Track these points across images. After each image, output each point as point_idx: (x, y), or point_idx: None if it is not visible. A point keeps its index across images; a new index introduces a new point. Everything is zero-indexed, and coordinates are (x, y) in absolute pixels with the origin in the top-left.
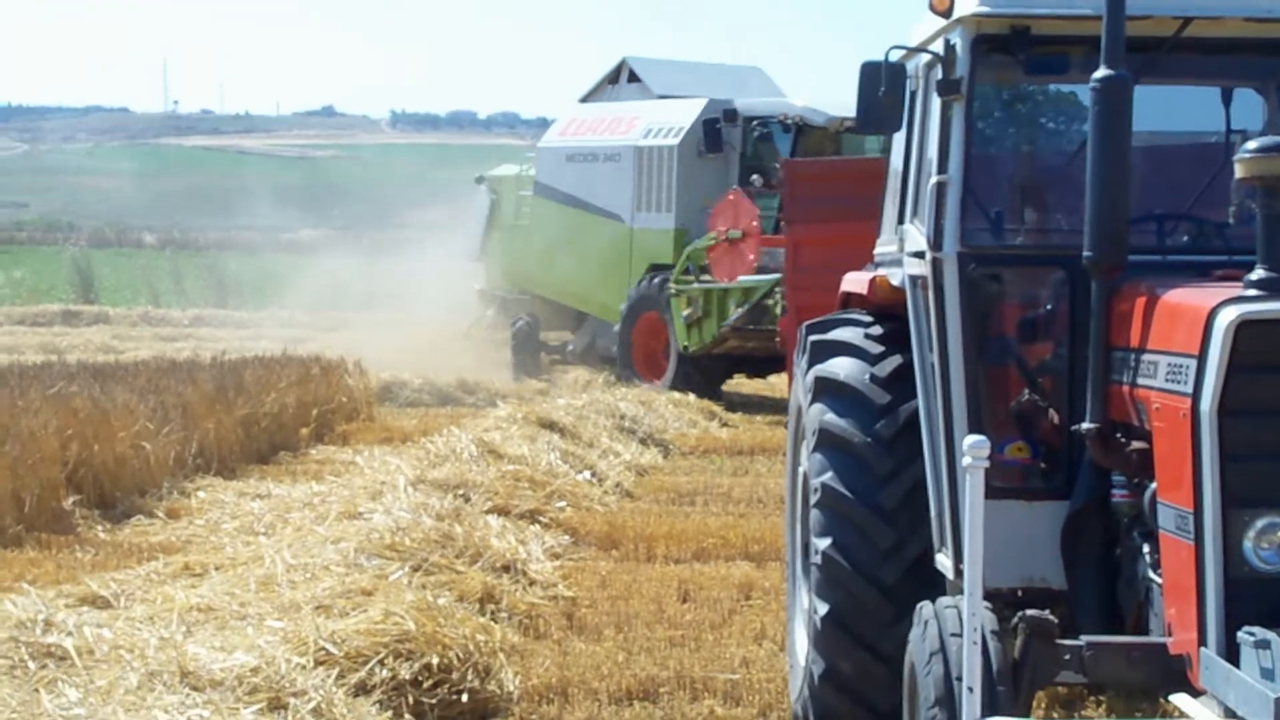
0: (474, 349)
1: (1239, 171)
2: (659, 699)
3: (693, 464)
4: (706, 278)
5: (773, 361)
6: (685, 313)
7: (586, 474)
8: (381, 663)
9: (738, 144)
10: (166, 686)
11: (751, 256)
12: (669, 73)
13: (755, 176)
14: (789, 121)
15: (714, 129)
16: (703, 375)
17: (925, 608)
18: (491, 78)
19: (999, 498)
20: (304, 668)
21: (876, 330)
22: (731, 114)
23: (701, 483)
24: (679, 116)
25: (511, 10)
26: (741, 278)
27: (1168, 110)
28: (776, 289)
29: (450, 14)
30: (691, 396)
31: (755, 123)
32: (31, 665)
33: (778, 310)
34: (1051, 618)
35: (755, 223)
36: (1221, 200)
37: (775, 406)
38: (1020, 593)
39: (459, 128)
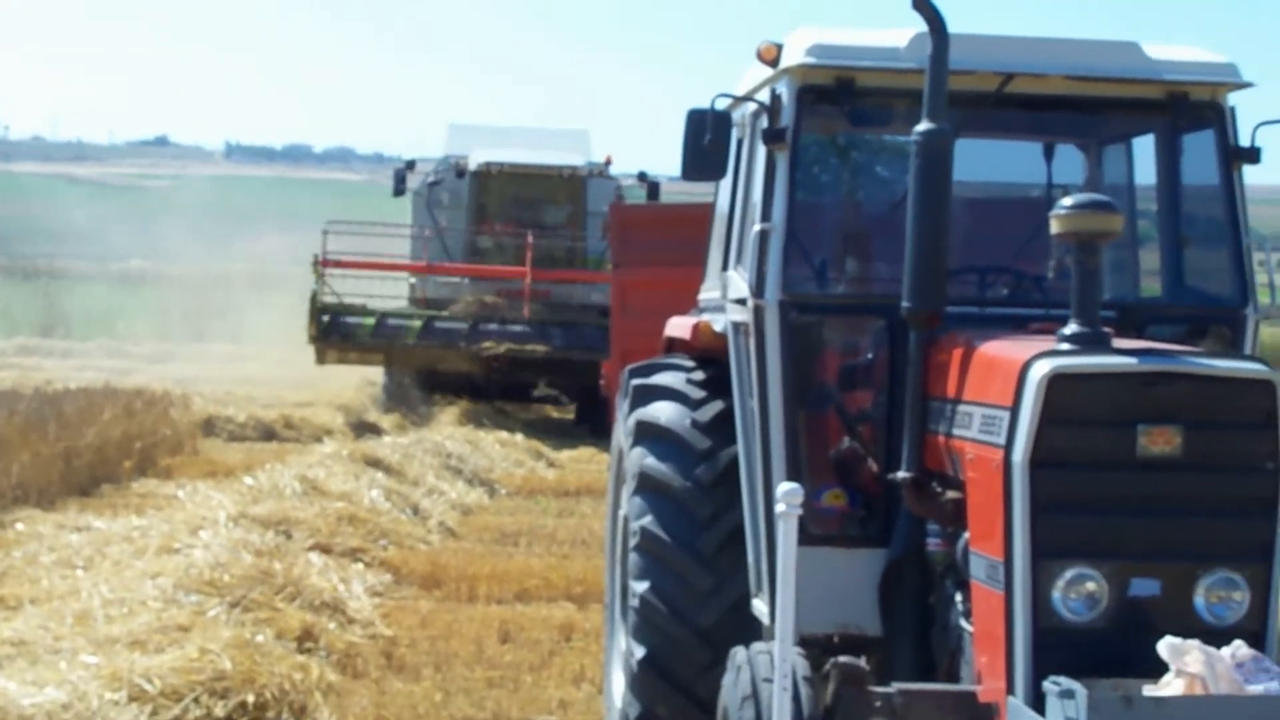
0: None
1: (1055, 227)
2: None
3: (518, 504)
4: None
5: None
6: None
7: (409, 513)
8: (196, 700)
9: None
10: None
11: None
12: (488, 136)
13: None
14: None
15: (399, 176)
16: None
17: (739, 653)
18: (327, 112)
19: (816, 544)
20: (117, 704)
21: (699, 375)
22: (411, 164)
23: (526, 523)
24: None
25: (349, 46)
26: None
27: (993, 163)
28: None
29: (288, 47)
30: (519, 436)
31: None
32: None
33: None
34: (863, 664)
35: None
36: (1042, 254)
37: (604, 448)
38: (836, 639)
39: (294, 161)
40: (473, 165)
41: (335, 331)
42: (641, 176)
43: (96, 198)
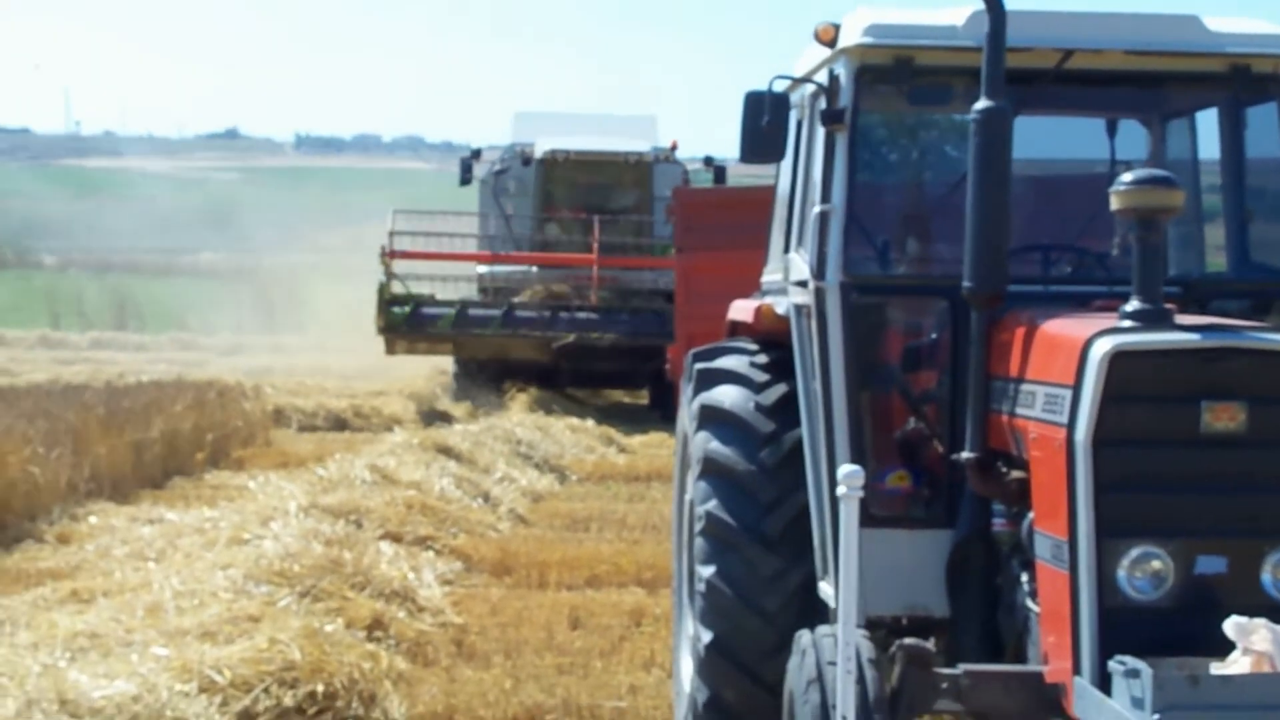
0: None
1: (1115, 203)
2: None
3: (589, 490)
4: None
5: None
6: None
7: (480, 500)
8: (266, 690)
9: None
10: (45, 714)
11: None
12: (554, 123)
13: None
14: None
15: (465, 165)
16: None
17: (804, 636)
18: (396, 101)
19: (881, 526)
20: (187, 695)
21: (762, 359)
22: (477, 153)
23: (597, 509)
24: None
25: (416, 35)
26: None
27: (1057, 140)
28: None
29: (356, 37)
30: (590, 422)
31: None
32: None
33: None
34: (929, 646)
35: None
36: (1107, 231)
37: (675, 433)
38: (905, 621)
39: (363, 151)
40: (538, 153)
41: (417, 322)
42: (708, 161)
43: (167, 191)
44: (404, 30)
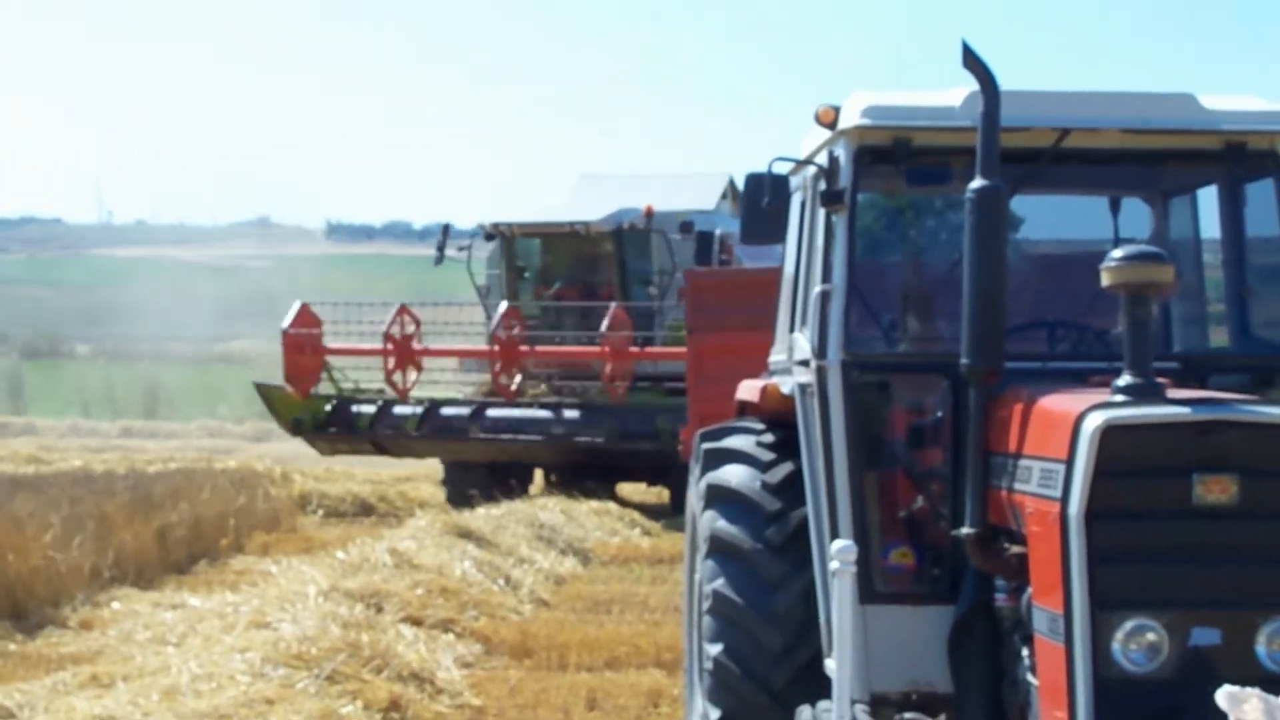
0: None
1: (1105, 279)
2: None
3: (612, 572)
4: None
5: None
6: None
7: (501, 583)
8: None
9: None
10: None
11: None
12: (616, 185)
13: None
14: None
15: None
16: None
17: (804, 711)
18: (425, 188)
19: (884, 602)
20: None
21: (768, 438)
22: (446, 228)
23: (619, 591)
24: None
25: (441, 121)
26: None
27: (1062, 220)
28: None
29: (384, 126)
30: (613, 505)
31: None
32: None
33: None
34: None
35: None
36: (1111, 308)
37: None
38: (913, 696)
39: (395, 238)
40: (488, 227)
41: (336, 421)
42: (685, 227)
43: (199, 280)
44: (428, 117)
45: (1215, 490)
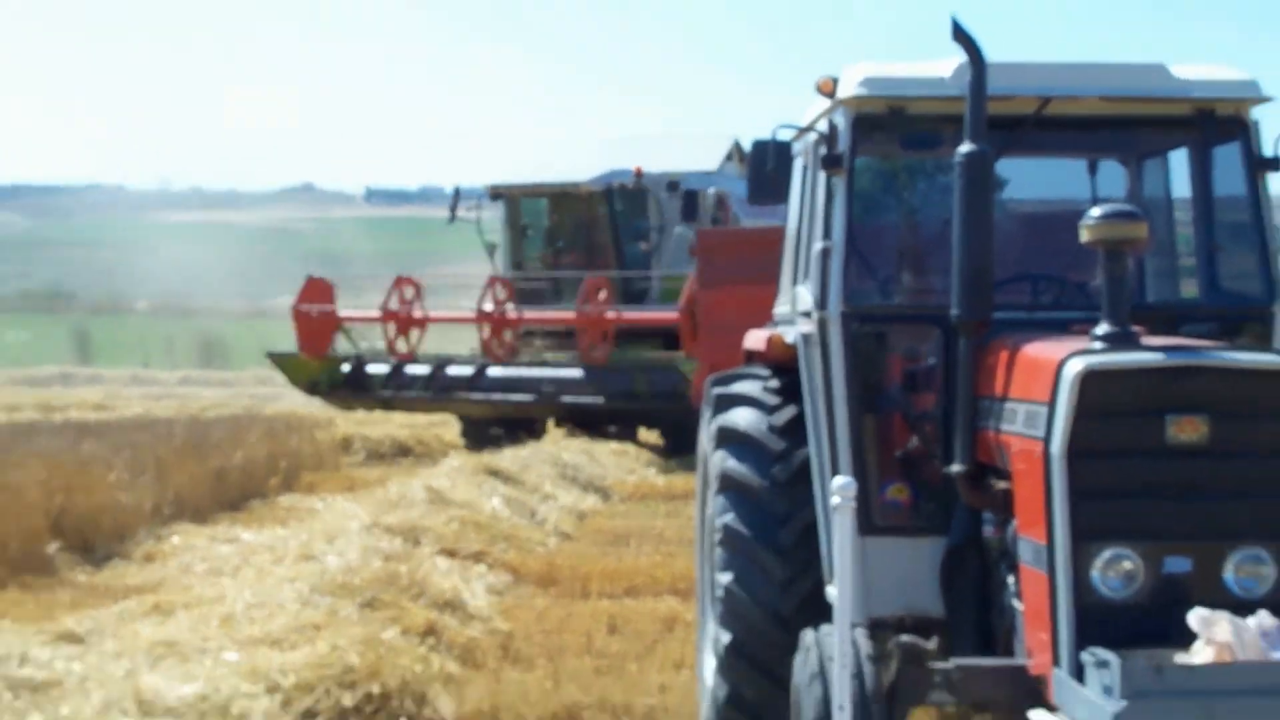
0: None
1: (1084, 236)
2: None
3: (629, 508)
4: None
5: None
6: None
7: (527, 518)
8: (326, 692)
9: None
10: (124, 714)
11: None
12: (631, 146)
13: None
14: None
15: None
16: None
17: (808, 635)
18: (460, 153)
19: (881, 535)
20: (254, 696)
21: (774, 383)
22: (457, 191)
23: (637, 525)
24: None
25: (475, 89)
26: None
27: (1045, 181)
28: None
29: (422, 95)
30: (630, 446)
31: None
32: (7, 696)
33: None
34: (924, 643)
35: None
36: (1090, 262)
37: None
38: (906, 621)
39: (429, 201)
40: (489, 190)
41: (352, 383)
42: (672, 185)
43: (250, 241)
44: (465, 84)
45: (1187, 430)
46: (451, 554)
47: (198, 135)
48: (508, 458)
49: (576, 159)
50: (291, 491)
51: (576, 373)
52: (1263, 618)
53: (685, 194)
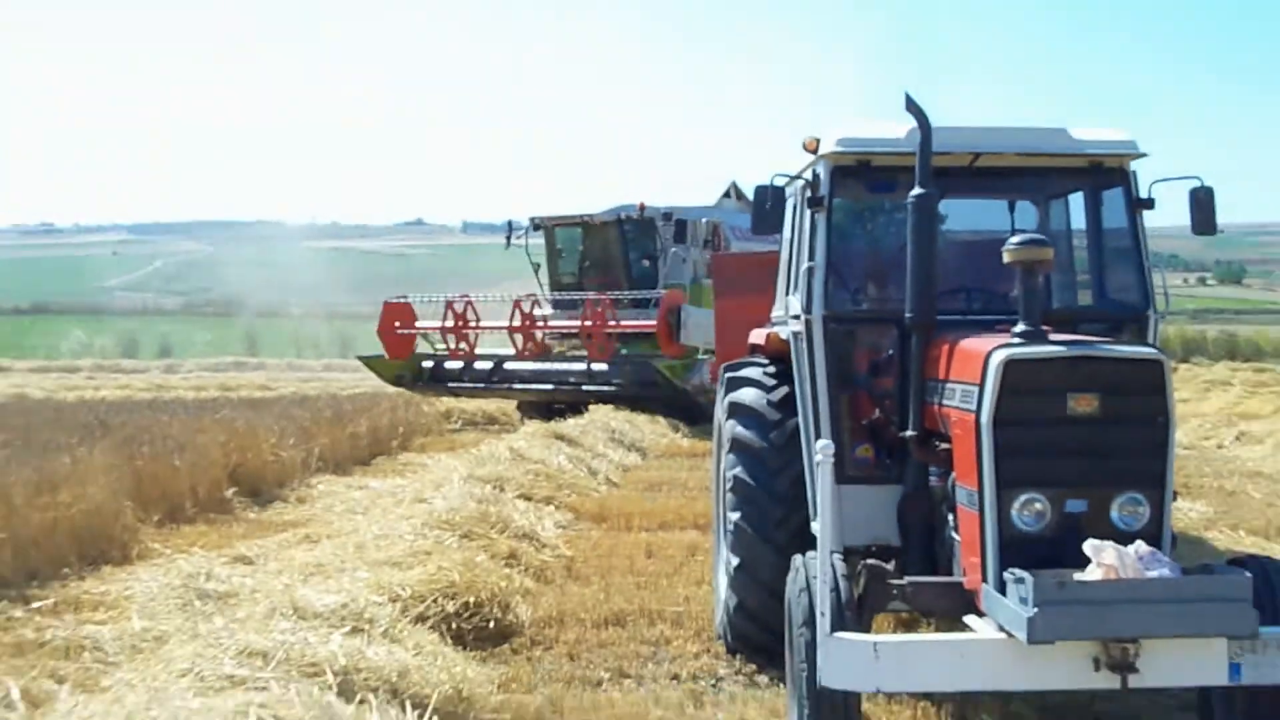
0: None
1: (1005, 258)
2: (626, 625)
3: (662, 463)
4: None
5: None
6: None
7: (585, 471)
8: (434, 601)
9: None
10: (283, 616)
11: None
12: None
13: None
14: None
15: (506, 233)
16: None
17: (797, 559)
18: (547, 188)
19: (853, 483)
20: (380, 604)
21: (771, 369)
22: (509, 224)
23: (667, 476)
24: None
25: (573, 125)
26: None
27: (978, 217)
28: None
29: (523, 133)
30: (662, 418)
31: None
32: (196, 603)
33: None
34: (885, 565)
35: None
36: (1010, 278)
37: None
38: (873, 549)
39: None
40: (531, 221)
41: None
42: (666, 216)
43: (375, 263)
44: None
45: (1083, 404)
46: (528, 498)
47: (334, 179)
48: (570, 425)
49: (599, 195)
50: (407, 451)
51: (581, 367)
52: (1139, 546)
53: (677, 222)
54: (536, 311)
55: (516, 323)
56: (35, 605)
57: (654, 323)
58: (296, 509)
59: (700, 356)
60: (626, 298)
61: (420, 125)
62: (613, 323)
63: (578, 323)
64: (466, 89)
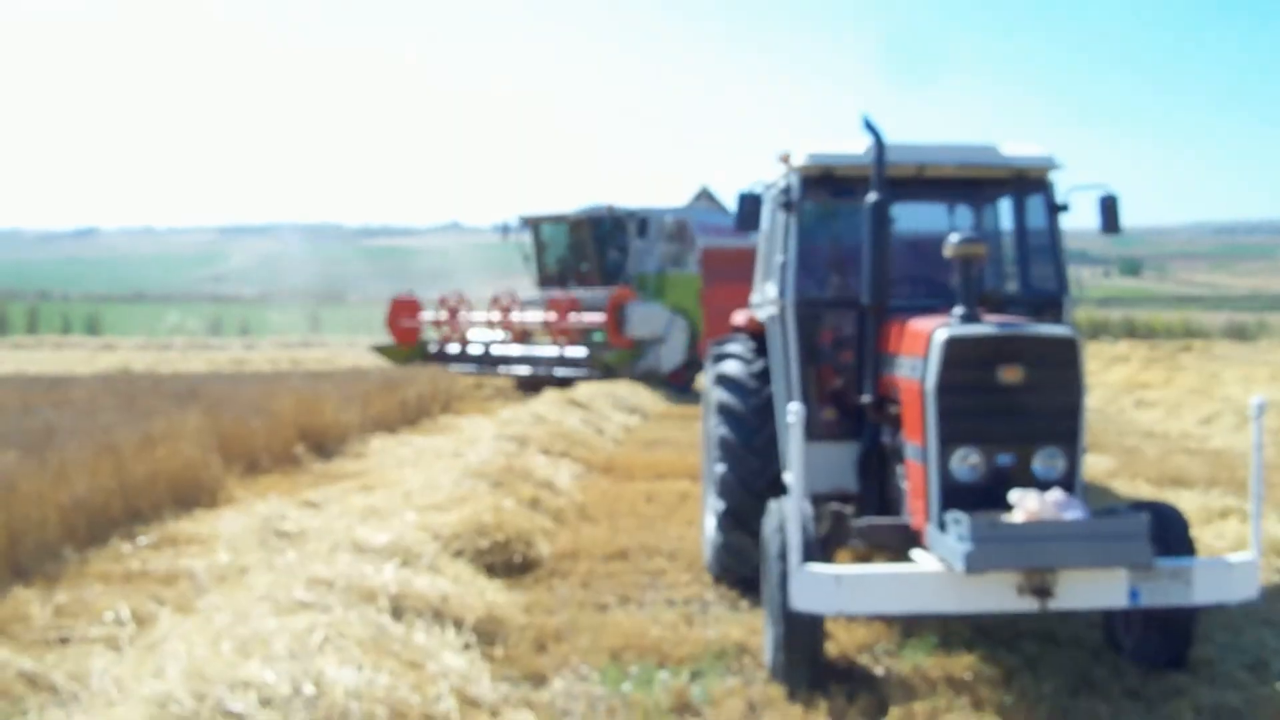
0: None
1: (946, 252)
2: (629, 558)
3: (659, 424)
4: None
5: None
6: None
7: (595, 430)
8: (470, 539)
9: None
10: (344, 551)
11: None
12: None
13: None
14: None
15: (504, 231)
16: None
17: (772, 504)
18: (574, 189)
19: (819, 440)
20: (424, 542)
21: (751, 345)
22: (505, 225)
23: (663, 434)
24: None
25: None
26: None
27: (922, 218)
28: None
29: (579, 134)
30: (660, 387)
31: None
32: (272, 540)
33: None
34: (846, 509)
35: None
36: (950, 269)
37: None
38: (834, 495)
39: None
40: (519, 219)
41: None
42: (630, 215)
43: (421, 259)
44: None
45: (1010, 374)
46: (547, 453)
47: (373, 183)
48: (582, 391)
49: (578, 196)
50: (446, 413)
51: (551, 351)
52: (1056, 493)
53: (640, 220)
54: (514, 311)
55: (495, 317)
56: (140, 542)
57: (602, 317)
58: (355, 462)
59: (653, 343)
60: (599, 292)
61: (457, 133)
62: (573, 316)
63: (542, 318)
64: (498, 101)
